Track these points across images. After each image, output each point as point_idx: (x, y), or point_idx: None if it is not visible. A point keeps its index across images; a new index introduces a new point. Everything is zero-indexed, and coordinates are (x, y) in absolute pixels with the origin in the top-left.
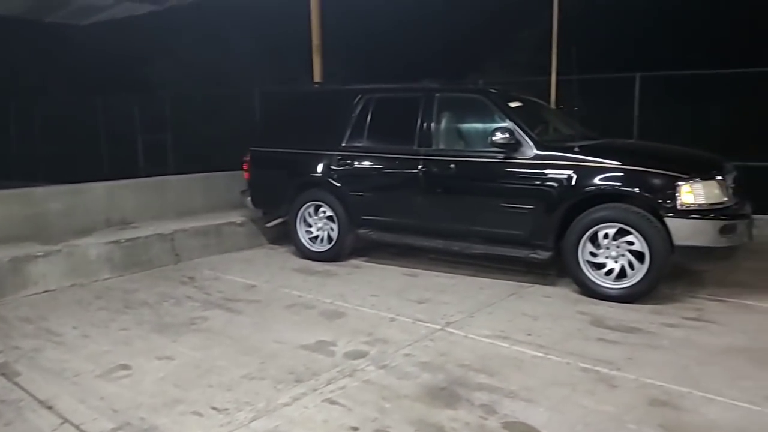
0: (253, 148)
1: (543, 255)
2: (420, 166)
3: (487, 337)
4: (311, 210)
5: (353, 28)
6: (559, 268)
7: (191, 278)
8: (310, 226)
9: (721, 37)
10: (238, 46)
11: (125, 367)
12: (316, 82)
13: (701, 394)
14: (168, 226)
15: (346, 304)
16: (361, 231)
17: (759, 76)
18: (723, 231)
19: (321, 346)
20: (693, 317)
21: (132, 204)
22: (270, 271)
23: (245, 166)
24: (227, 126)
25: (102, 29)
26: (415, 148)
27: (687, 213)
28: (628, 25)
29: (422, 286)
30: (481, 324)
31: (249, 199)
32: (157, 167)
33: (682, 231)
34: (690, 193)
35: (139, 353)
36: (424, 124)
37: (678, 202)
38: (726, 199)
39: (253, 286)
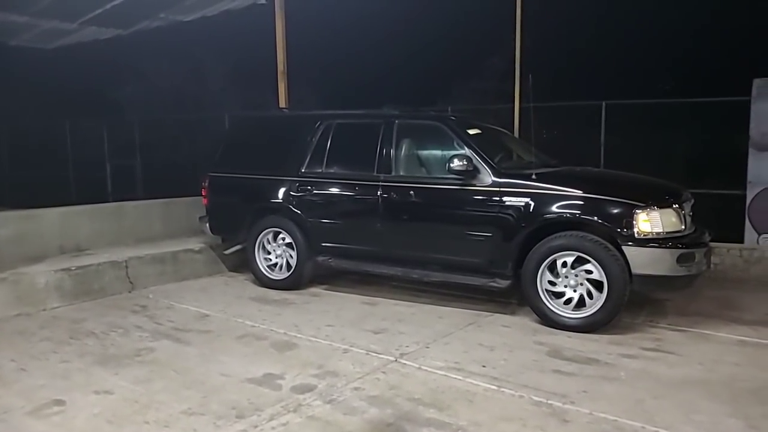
0: (211, 174)
1: (502, 283)
2: (379, 193)
3: (440, 369)
4: (270, 237)
5: (322, 55)
6: (520, 296)
7: (143, 307)
8: (269, 253)
9: (685, 68)
10: (207, 70)
11: (59, 402)
12: (282, 108)
13: (654, 429)
14: (123, 253)
15: (299, 335)
16: (321, 258)
17: (721, 106)
18: (681, 259)
19: (268, 380)
20: (652, 348)
21: (87, 230)
22: (226, 299)
23: (204, 192)
24: (198, 151)
25: (69, 53)
26: (374, 174)
27: (645, 241)
28: (595, 55)
29: (380, 316)
30: (436, 355)
31: (207, 225)
32: (126, 193)
33: (640, 259)
34: (647, 222)
35: (77, 387)
36: (384, 151)
37: (635, 230)
38: (683, 227)
39: (206, 316)
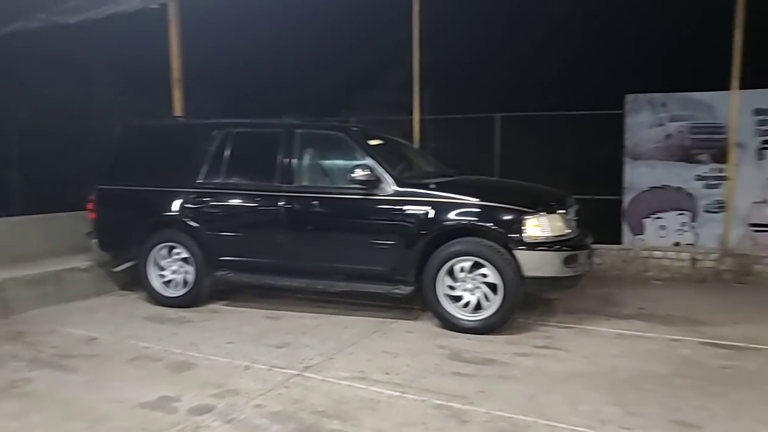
0: (100, 186)
1: (405, 290)
2: (281, 203)
3: (344, 379)
4: (164, 252)
5: (220, 62)
6: (422, 302)
7: (21, 333)
8: (163, 269)
9: (571, 83)
10: (95, 76)
11: None
12: (177, 116)
13: (544, 422)
14: None
15: (197, 354)
16: (220, 273)
17: (601, 118)
18: (567, 261)
19: (162, 403)
20: (543, 345)
21: None
22: (116, 320)
23: (90, 206)
24: (84, 162)
25: None
26: (276, 184)
27: (534, 245)
28: (489, 70)
29: (284, 329)
30: (340, 366)
31: (95, 241)
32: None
33: (531, 262)
34: (537, 227)
35: None
36: (286, 160)
37: (525, 235)
38: (569, 231)
39: (94, 339)
